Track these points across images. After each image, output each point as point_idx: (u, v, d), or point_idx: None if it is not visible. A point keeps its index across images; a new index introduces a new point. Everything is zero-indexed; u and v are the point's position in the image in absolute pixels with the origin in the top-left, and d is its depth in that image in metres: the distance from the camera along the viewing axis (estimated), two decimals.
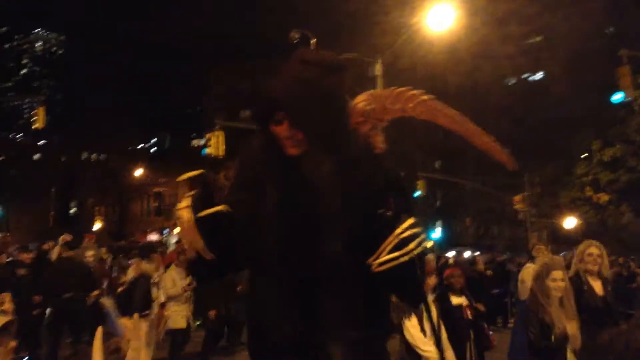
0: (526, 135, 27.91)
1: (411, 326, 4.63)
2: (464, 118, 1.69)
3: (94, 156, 42.21)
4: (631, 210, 24.48)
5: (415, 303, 1.90)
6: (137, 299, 6.67)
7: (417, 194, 24.04)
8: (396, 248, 1.59)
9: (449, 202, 34.88)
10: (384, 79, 19.28)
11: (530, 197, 27.91)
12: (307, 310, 1.66)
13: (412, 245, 1.58)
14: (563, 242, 29.63)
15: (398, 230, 1.60)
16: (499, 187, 28.87)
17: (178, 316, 7.39)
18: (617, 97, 17.12)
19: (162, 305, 7.48)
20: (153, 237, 36.96)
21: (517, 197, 27.21)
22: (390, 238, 1.59)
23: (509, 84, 29.35)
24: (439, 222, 34.54)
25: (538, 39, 25.48)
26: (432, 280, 5.23)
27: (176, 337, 7.44)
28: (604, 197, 24.85)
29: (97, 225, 36.61)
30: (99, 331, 3.64)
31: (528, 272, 7.86)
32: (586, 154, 26.15)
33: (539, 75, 29.95)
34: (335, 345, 1.65)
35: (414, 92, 1.67)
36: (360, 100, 1.75)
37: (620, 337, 0.80)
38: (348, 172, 1.63)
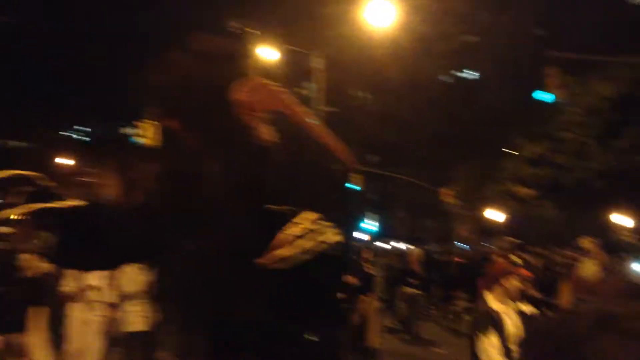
0: (459, 130, 28.84)
1: (490, 345, 3.90)
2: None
3: (19, 143, 40.09)
4: (553, 205, 25.85)
5: (333, 311, 1.62)
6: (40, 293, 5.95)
7: (356, 188, 24.38)
8: (289, 245, 1.49)
9: (385, 195, 35.56)
10: (325, 72, 19.48)
11: (459, 191, 28.95)
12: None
13: (308, 243, 1.48)
14: (488, 234, 30.97)
15: (292, 227, 1.50)
16: (430, 181, 29.73)
17: (136, 317, 6.63)
18: (543, 96, 18.09)
19: (114, 306, 6.74)
20: None
21: (447, 191, 28.16)
22: (282, 235, 1.50)
23: (443, 80, 30.18)
24: (375, 216, 35.19)
25: (473, 37, 26.37)
26: (512, 283, 4.15)
27: (133, 341, 6.63)
28: (527, 192, 26.11)
29: None
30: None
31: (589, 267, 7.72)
32: (512, 151, 27.35)
33: (473, 74, 30.97)
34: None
35: (267, 81, 1.61)
36: (244, 91, 1.65)
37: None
38: (235, 167, 1.57)
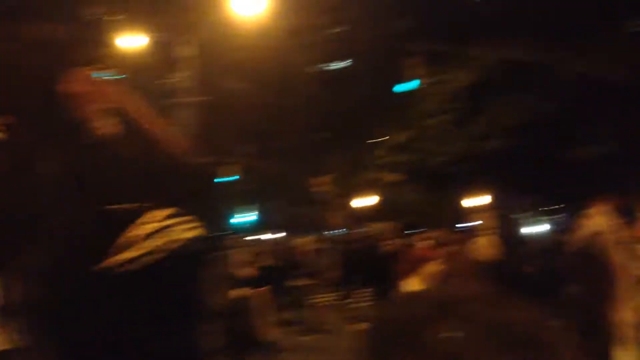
0: (330, 120, 29.61)
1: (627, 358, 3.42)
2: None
3: None
4: (418, 189, 27.45)
5: (196, 310, 1.53)
6: None
7: (234, 178, 24.22)
8: (135, 246, 1.39)
9: (261, 185, 35.58)
10: (194, 60, 19.09)
11: (333, 179, 29.83)
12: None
13: (157, 242, 1.39)
14: (361, 219, 32.22)
15: (139, 226, 1.41)
16: (306, 169, 30.25)
17: None
18: (406, 85, 19.16)
19: None
20: None
21: (321, 179, 28.94)
22: (128, 236, 1.39)
23: (314, 70, 30.74)
24: (255, 206, 35.14)
25: (342, 28, 27.13)
26: (431, 268, 3.93)
27: None
28: (395, 177, 27.52)
29: None
30: None
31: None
32: (380, 138, 28.61)
33: (342, 63, 31.80)
34: None
35: (93, 71, 1.54)
36: (76, 82, 1.53)
37: None
38: (71, 166, 1.45)
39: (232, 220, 31.35)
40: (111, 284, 1.39)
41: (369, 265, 12.38)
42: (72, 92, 1.48)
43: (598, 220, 3.95)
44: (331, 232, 28.69)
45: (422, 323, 0.58)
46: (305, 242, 12.37)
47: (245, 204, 33.84)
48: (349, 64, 30.39)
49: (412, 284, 4.00)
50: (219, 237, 1.84)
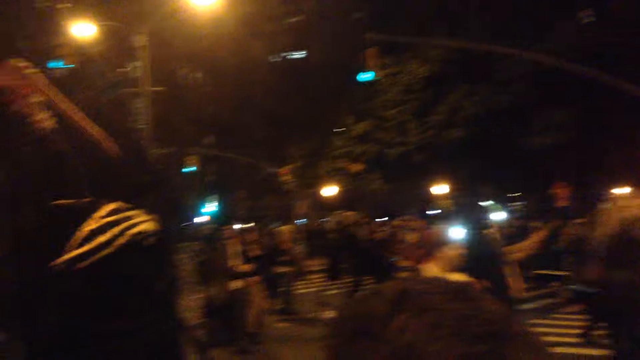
0: (290, 110, 29.43)
1: None
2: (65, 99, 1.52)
3: None
4: (379, 178, 27.63)
5: (152, 302, 1.55)
6: None
7: (190, 169, 23.93)
8: (84, 242, 1.39)
9: (222, 176, 35.27)
10: (149, 50, 18.64)
11: (295, 169, 29.76)
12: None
13: (105, 236, 1.39)
14: (324, 209, 32.27)
15: (89, 222, 1.41)
16: (268, 160, 30.12)
17: None
18: (365, 76, 19.08)
19: None
20: None
21: (283, 169, 28.81)
22: (79, 232, 1.40)
23: (273, 61, 30.50)
24: (214, 197, 34.80)
25: (299, 18, 26.91)
26: (447, 252, 3.97)
27: None
28: (357, 167, 27.64)
29: None
30: None
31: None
32: (341, 129, 28.66)
33: (300, 54, 31.63)
34: None
35: (21, 64, 1.47)
36: (4, 75, 1.50)
37: None
38: (14, 163, 1.44)
39: (203, 211, 30.92)
40: (64, 279, 1.40)
41: (355, 252, 12.38)
42: (2, 86, 1.42)
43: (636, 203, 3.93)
44: (296, 221, 28.55)
45: (381, 318, 0.58)
46: (287, 230, 12.05)
47: (205, 195, 33.46)
48: (306, 54, 30.29)
49: (431, 269, 3.96)
50: (177, 228, 1.83)
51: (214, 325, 8.59)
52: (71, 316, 1.54)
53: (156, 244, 1.54)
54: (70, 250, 1.38)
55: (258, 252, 9.21)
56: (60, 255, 1.38)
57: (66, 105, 1.54)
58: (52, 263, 1.37)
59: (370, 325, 0.58)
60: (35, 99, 1.49)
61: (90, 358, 1.57)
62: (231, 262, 8.46)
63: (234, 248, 8.65)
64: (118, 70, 18.11)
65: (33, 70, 1.52)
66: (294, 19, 26.23)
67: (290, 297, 12.17)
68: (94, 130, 1.59)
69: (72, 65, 15.31)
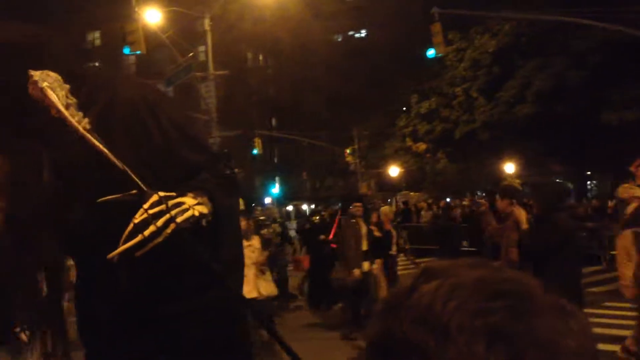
0: (354, 90, 29.22)
1: None
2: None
3: None
4: (445, 157, 27.07)
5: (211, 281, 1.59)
6: None
7: (255, 152, 24.25)
8: (131, 235, 1.42)
9: (285, 157, 35.63)
10: (214, 34, 18.88)
11: (359, 150, 29.65)
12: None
13: (151, 228, 1.41)
14: (388, 189, 32.05)
15: (138, 214, 1.43)
16: (332, 141, 30.15)
17: None
18: (431, 52, 18.59)
19: None
20: None
21: (348, 150, 28.77)
22: (130, 225, 1.43)
23: (336, 41, 30.30)
24: (277, 178, 35.27)
25: None
26: None
27: None
28: (422, 146, 27.16)
29: None
30: None
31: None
32: (406, 108, 28.21)
33: (363, 33, 31.26)
34: None
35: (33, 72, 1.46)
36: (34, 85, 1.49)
37: None
38: (60, 165, 1.49)
39: (273, 191, 31.39)
40: (121, 271, 1.50)
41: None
42: (37, 94, 1.43)
43: None
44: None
45: (404, 291, 0.59)
46: (389, 211, 11.20)
47: (269, 177, 33.90)
48: (368, 33, 29.85)
49: None
50: (235, 208, 1.82)
51: (343, 308, 8.40)
52: (131, 301, 1.63)
53: (211, 226, 1.56)
54: (122, 244, 1.41)
55: (379, 234, 8.51)
56: (113, 249, 1.41)
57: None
58: (108, 256, 1.41)
59: (395, 299, 0.59)
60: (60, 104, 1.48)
61: (153, 340, 1.65)
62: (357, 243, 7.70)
63: (357, 229, 7.78)
64: (183, 55, 18.39)
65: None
66: None
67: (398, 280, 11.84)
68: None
69: (139, 52, 15.65)
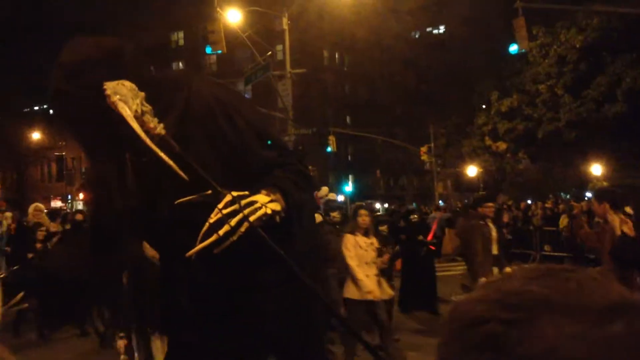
0: (431, 87, 28.68)
1: None
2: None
3: None
4: (527, 157, 26.06)
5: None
6: None
7: (329, 149, 24.34)
8: (207, 235, 1.49)
9: (359, 155, 35.54)
10: (291, 33, 19.10)
11: (436, 148, 29.06)
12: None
13: (225, 227, 1.48)
14: (465, 189, 31.26)
15: (213, 214, 1.51)
16: (407, 139, 29.77)
17: None
18: (514, 48, 17.93)
19: None
20: (57, 203, 35.18)
21: (423, 148, 28.27)
22: (206, 225, 1.51)
23: (413, 37, 29.83)
24: (350, 176, 35.26)
25: None
26: None
27: None
28: (502, 146, 26.23)
29: None
30: None
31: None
32: (485, 105, 27.35)
33: (441, 29, 30.62)
34: None
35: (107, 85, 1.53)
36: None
37: None
38: (143, 171, 1.57)
39: (346, 189, 31.40)
40: (204, 262, 1.56)
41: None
42: (112, 105, 1.51)
43: None
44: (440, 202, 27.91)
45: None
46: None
47: (341, 174, 33.90)
48: (447, 28, 29.17)
49: None
50: (310, 202, 1.91)
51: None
52: (211, 293, 1.73)
53: (284, 221, 1.61)
54: (199, 243, 1.49)
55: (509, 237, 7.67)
56: (193, 246, 1.49)
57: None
58: (186, 254, 1.49)
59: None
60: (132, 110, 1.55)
61: (234, 328, 1.74)
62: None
63: (486, 231, 6.85)
64: (262, 54, 18.71)
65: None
66: None
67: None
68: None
69: (220, 52, 16.03)
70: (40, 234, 7.40)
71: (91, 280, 1.77)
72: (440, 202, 27.52)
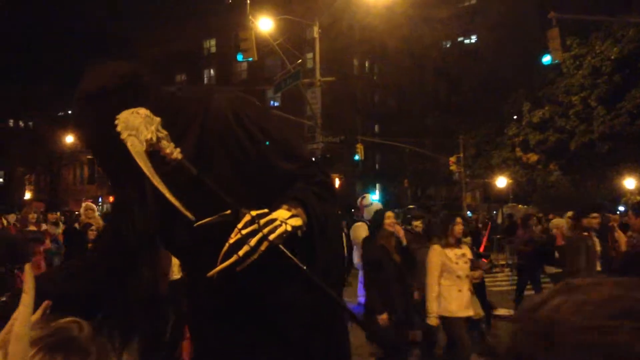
0: (461, 97, 28.44)
1: None
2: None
3: (21, 123, 40.17)
4: (558, 169, 25.63)
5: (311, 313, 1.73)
6: None
7: (357, 158, 24.31)
8: (228, 255, 1.49)
9: (387, 164, 35.41)
10: (322, 41, 19.18)
11: (465, 158, 28.77)
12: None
13: (245, 248, 1.48)
14: (494, 201, 30.86)
15: (233, 234, 1.50)
16: (435, 149, 29.55)
17: None
18: (547, 59, 17.69)
19: None
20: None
21: (452, 158, 28.02)
22: (225, 246, 1.50)
23: (445, 47, 29.64)
24: (377, 185, 35.13)
25: (472, 2, 25.74)
26: None
27: None
28: (533, 157, 25.87)
29: (27, 195, 35.07)
30: None
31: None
32: (517, 116, 27.02)
33: (473, 39, 30.39)
34: None
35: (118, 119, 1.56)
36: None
37: None
38: (158, 195, 1.54)
39: (373, 198, 31.19)
40: (222, 286, 1.60)
41: None
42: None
43: None
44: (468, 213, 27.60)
45: (539, 305, 0.59)
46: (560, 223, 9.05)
47: (368, 183, 33.79)
48: (479, 38, 28.90)
49: None
50: (333, 213, 1.85)
51: None
52: (235, 304, 1.73)
53: (306, 234, 1.60)
54: (219, 263, 1.49)
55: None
56: (213, 267, 1.50)
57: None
58: (207, 274, 1.50)
59: (523, 312, 0.59)
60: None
61: (257, 333, 1.74)
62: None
63: (590, 245, 6.09)
64: (292, 62, 18.83)
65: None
66: (467, 3, 25.14)
67: None
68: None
69: (251, 59, 16.19)
70: (92, 234, 7.22)
71: (103, 303, 1.76)
72: (468, 212, 27.19)
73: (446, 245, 5.03)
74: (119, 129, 1.50)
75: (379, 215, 5.58)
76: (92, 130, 1.61)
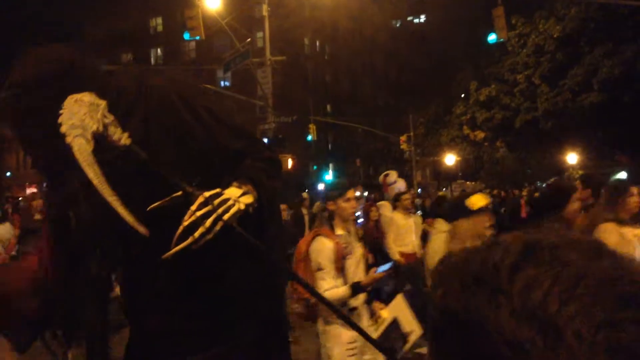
0: (411, 76, 28.75)
1: None
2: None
3: None
4: (505, 146, 26.36)
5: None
6: None
7: (309, 138, 24.32)
8: (182, 237, 1.48)
9: (339, 144, 35.58)
10: (271, 20, 18.96)
11: (415, 137, 29.23)
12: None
13: (200, 230, 1.47)
14: (444, 178, 31.55)
15: (192, 213, 1.48)
16: (386, 128, 29.87)
17: None
18: (492, 37, 18.03)
19: None
20: (32, 190, 34.73)
21: (403, 137, 28.42)
22: (180, 228, 1.48)
23: (394, 26, 29.80)
24: (331, 165, 35.28)
25: None
26: None
27: None
28: (480, 135, 26.51)
29: None
30: None
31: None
32: (464, 95, 27.55)
33: (422, 18, 30.65)
34: None
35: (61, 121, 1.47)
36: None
37: None
38: (112, 179, 1.47)
39: (326, 178, 31.36)
40: (180, 267, 1.58)
41: None
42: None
43: None
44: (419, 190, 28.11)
45: (504, 269, 0.50)
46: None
47: (321, 163, 33.89)
48: (427, 18, 29.22)
49: None
50: (277, 188, 1.84)
51: None
52: (177, 277, 1.70)
53: (256, 210, 1.62)
54: (174, 245, 1.47)
55: None
56: (167, 250, 1.48)
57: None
58: (162, 257, 1.48)
59: (490, 275, 0.50)
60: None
61: (197, 304, 1.73)
62: None
63: None
64: (242, 41, 18.56)
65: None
66: None
67: None
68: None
69: (198, 38, 15.88)
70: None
71: (52, 297, 1.71)
72: (419, 190, 27.72)
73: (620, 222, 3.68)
74: (63, 129, 1.41)
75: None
76: (29, 124, 1.48)
